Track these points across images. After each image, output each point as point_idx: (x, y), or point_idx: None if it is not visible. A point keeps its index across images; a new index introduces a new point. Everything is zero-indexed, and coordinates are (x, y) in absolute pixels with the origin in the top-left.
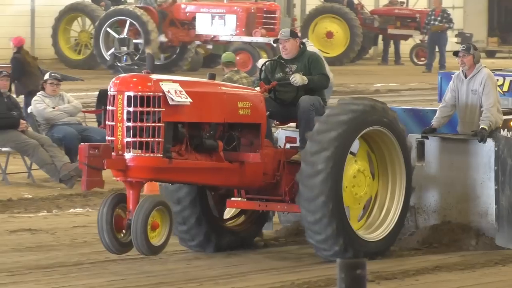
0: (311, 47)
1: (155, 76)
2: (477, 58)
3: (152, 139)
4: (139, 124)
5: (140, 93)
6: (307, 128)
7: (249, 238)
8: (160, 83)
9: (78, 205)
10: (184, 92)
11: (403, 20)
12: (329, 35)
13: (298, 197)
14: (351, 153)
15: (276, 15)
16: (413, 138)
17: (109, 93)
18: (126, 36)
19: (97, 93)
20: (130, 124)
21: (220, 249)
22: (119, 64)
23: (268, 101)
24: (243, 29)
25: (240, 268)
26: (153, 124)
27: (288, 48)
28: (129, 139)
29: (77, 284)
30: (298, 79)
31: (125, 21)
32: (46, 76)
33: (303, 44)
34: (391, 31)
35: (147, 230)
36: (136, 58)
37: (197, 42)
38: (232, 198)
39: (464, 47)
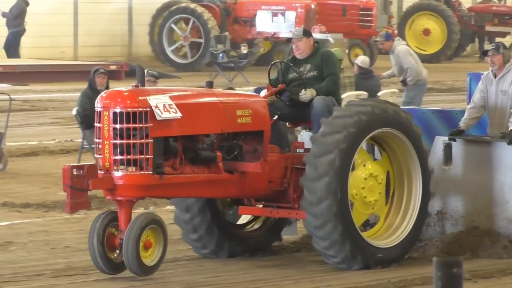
0: (402, 45)
1: (143, 90)
2: (507, 57)
3: (140, 156)
4: (126, 141)
5: (126, 109)
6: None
7: (263, 245)
8: (148, 98)
9: None
10: (174, 106)
11: (501, 17)
12: (426, 32)
13: (302, 201)
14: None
15: (373, 12)
16: (440, 140)
17: (96, 109)
18: (186, 34)
19: None
20: (117, 141)
21: (234, 256)
22: (216, 61)
23: (278, 103)
24: (302, 26)
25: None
26: (141, 141)
27: (301, 47)
28: (116, 157)
29: (173, 281)
30: (308, 96)
31: (189, 19)
32: None
33: (317, 42)
34: (488, 28)
35: (139, 250)
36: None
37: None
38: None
39: (493, 46)
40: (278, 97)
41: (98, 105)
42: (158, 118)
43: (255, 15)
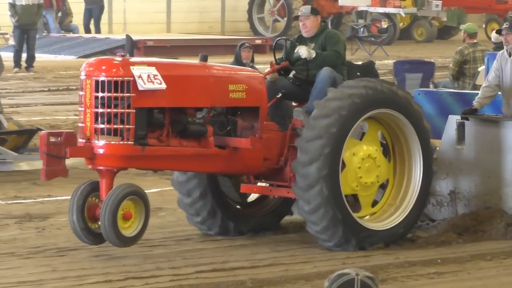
0: None
1: (128, 60)
2: None
3: (121, 126)
4: (107, 110)
5: (108, 78)
6: (318, 97)
7: (270, 223)
8: (131, 67)
9: None
10: (159, 76)
11: None
12: None
13: (294, 186)
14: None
15: None
16: (453, 119)
17: (80, 77)
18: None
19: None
20: (98, 110)
21: (243, 234)
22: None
23: (282, 81)
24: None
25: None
26: (122, 110)
27: (308, 25)
28: (97, 126)
29: None
30: (303, 51)
31: None
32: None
33: (324, 21)
34: None
35: (116, 220)
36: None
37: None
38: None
39: (507, 24)
40: (282, 74)
41: (82, 73)
42: (140, 88)
43: None
